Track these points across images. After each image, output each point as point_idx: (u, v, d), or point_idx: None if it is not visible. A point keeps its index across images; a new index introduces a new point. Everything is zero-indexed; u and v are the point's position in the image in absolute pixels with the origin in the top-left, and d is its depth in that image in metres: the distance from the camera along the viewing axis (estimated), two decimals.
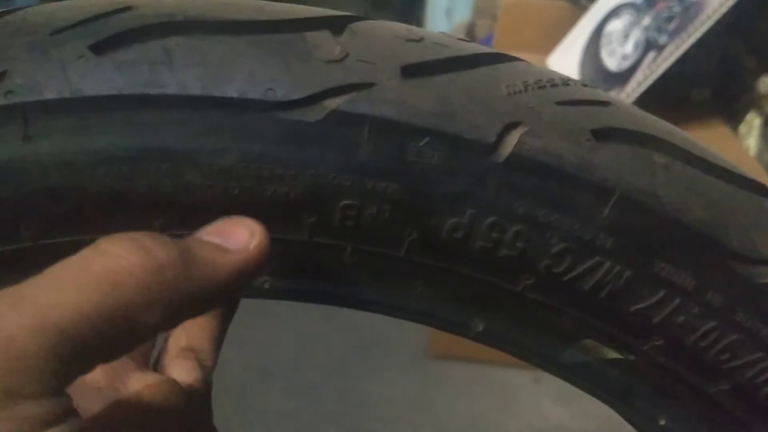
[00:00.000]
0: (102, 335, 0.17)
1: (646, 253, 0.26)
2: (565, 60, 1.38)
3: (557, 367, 0.28)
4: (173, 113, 0.23)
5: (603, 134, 0.26)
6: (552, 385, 1.46)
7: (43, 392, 0.16)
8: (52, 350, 0.16)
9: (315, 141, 0.24)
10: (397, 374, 1.44)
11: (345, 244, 0.26)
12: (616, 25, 1.32)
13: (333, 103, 0.24)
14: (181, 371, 0.27)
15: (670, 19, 1.20)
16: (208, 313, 0.28)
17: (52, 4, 0.26)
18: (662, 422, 0.29)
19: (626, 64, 1.26)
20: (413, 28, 0.28)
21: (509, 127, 0.25)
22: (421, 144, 0.24)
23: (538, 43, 1.47)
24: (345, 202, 0.25)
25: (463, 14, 2.20)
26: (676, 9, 1.20)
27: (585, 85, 0.28)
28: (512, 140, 0.25)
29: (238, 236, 0.22)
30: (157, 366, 0.28)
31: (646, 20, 1.25)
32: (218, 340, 0.28)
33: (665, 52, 1.17)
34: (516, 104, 0.25)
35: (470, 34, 1.82)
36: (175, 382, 0.26)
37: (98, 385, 0.25)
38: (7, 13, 0.25)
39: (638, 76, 1.21)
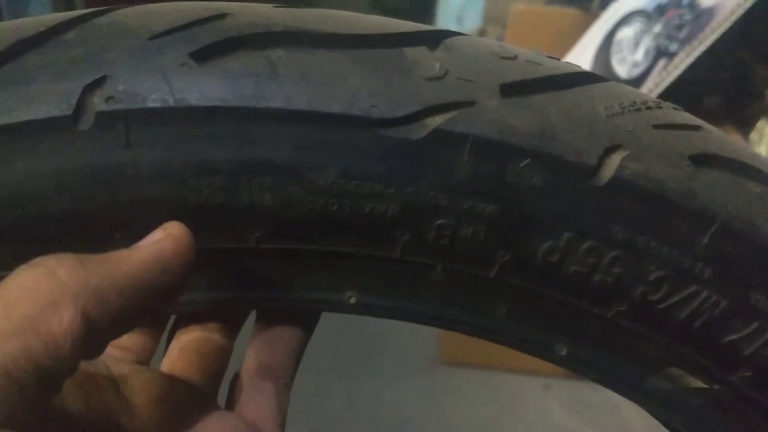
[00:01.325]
0: (21, 354, 0.17)
1: (743, 284, 0.25)
2: None
3: (639, 393, 0.28)
4: (278, 127, 0.23)
5: (700, 160, 0.25)
6: (561, 392, 1.46)
7: None
8: None
9: (415, 159, 0.24)
10: (407, 379, 1.43)
11: (436, 263, 0.26)
12: (626, 33, 1.32)
13: (434, 122, 0.24)
14: (256, 396, 0.26)
15: (680, 26, 1.20)
16: (289, 326, 0.27)
17: (145, 7, 0.25)
18: None
19: (637, 72, 1.25)
20: (504, 44, 0.28)
21: (610, 150, 0.24)
22: (521, 165, 0.24)
23: (548, 50, 1.45)
24: (441, 221, 0.24)
25: (473, 21, 2.20)
26: (687, 17, 1.20)
27: (675, 108, 0.28)
28: (613, 164, 0.24)
29: (149, 236, 0.22)
30: (234, 387, 0.27)
31: (657, 28, 1.25)
32: (298, 355, 0.28)
33: (676, 60, 1.17)
34: (615, 127, 0.25)
35: None
36: (238, 420, 0.26)
37: (161, 430, 0.24)
38: (100, 13, 0.25)
39: (649, 83, 1.20)
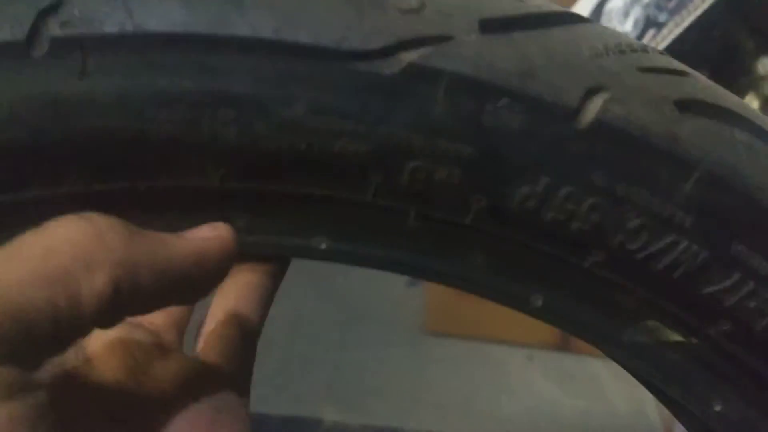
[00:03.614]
0: (43, 303, 0.17)
1: (725, 234, 0.24)
2: None
3: (615, 347, 0.27)
4: (242, 57, 0.21)
5: (685, 106, 0.25)
6: (545, 362, 1.46)
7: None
8: None
9: (388, 96, 0.22)
10: (392, 349, 1.43)
11: (409, 208, 0.25)
12: (616, 3, 1.31)
13: (409, 56, 0.22)
14: (222, 344, 0.25)
15: None
16: (259, 272, 0.27)
17: None
18: (717, 408, 0.28)
19: None
20: None
21: (592, 92, 0.23)
22: (499, 105, 0.23)
23: None
24: (414, 163, 0.23)
25: None
26: None
27: (661, 53, 0.27)
28: (595, 106, 0.23)
29: (198, 230, 0.22)
30: (198, 334, 0.26)
31: None
32: (267, 302, 0.27)
33: (665, 30, 1.16)
34: (599, 68, 0.24)
35: None
36: (204, 367, 0.25)
37: (117, 379, 0.23)
38: None
39: None
